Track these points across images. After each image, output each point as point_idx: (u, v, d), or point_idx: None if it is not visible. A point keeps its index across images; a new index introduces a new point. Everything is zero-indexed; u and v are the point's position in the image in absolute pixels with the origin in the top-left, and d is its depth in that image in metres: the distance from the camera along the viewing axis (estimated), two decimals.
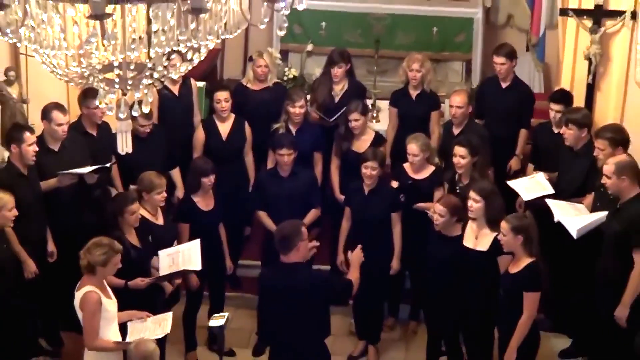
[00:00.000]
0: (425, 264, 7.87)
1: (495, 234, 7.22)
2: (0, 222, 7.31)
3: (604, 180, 7.36)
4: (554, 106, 8.73)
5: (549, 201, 7.99)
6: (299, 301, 6.66)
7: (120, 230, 7.52)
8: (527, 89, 9.64)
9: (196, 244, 7.80)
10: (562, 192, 8.21)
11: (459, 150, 8.18)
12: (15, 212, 7.32)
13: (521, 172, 9.20)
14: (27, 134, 7.71)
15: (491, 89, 9.46)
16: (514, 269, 7.05)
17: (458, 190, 8.12)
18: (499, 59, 9.29)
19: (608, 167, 7.33)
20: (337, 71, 9.48)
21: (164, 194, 7.96)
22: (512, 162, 9.33)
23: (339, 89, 9.56)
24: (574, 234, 7.58)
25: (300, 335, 6.79)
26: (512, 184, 8.48)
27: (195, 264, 7.69)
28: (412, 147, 8.39)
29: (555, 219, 7.80)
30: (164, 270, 7.59)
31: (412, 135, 8.51)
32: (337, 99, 9.52)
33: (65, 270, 7.59)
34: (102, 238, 6.83)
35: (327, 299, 6.89)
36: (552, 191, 8.23)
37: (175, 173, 8.90)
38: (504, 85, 9.38)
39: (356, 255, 7.13)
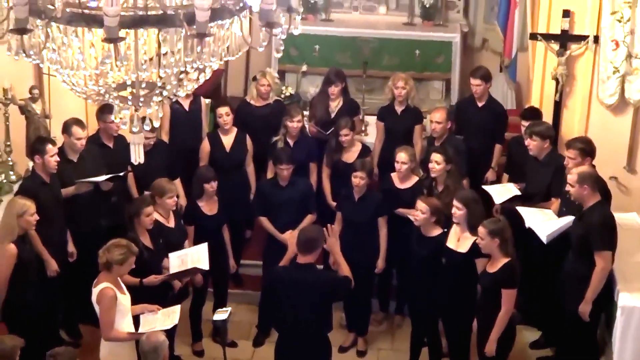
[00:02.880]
0: (408, 263, 7.86)
1: (475, 238, 7.19)
2: (24, 226, 7.28)
3: (568, 188, 7.37)
4: (525, 123, 8.71)
5: (519, 208, 7.99)
6: (310, 298, 6.67)
7: (135, 232, 7.49)
8: (501, 108, 9.59)
9: (204, 247, 7.77)
10: (530, 198, 8.22)
11: (435, 156, 8.19)
12: (36, 217, 7.29)
13: (497, 183, 9.20)
14: (49, 146, 7.72)
15: (468, 107, 9.43)
16: (492, 269, 7.03)
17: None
18: (475, 81, 9.26)
19: (572, 177, 7.34)
20: (334, 90, 9.46)
21: (175, 198, 7.95)
22: (489, 174, 9.31)
23: (335, 105, 9.54)
24: (544, 240, 7.58)
25: (307, 329, 6.80)
26: (487, 188, 8.52)
27: (204, 265, 7.66)
28: (402, 156, 8.35)
29: (526, 225, 7.80)
30: (173, 270, 7.54)
31: (402, 146, 8.50)
32: (333, 115, 9.49)
33: (83, 268, 7.58)
34: (121, 240, 6.82)
35: (334, 296, 6.95)
36: (518, 193, 8.29)
37: (177, 183, 8.73)
38: (479, 104, 9.34)
39: (332, 243, 7.00)
